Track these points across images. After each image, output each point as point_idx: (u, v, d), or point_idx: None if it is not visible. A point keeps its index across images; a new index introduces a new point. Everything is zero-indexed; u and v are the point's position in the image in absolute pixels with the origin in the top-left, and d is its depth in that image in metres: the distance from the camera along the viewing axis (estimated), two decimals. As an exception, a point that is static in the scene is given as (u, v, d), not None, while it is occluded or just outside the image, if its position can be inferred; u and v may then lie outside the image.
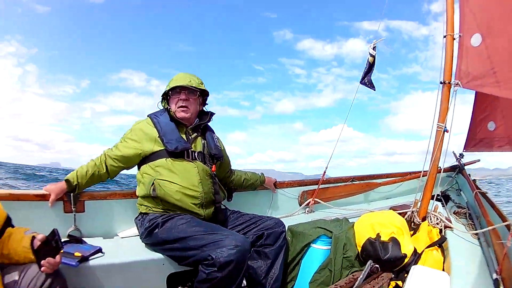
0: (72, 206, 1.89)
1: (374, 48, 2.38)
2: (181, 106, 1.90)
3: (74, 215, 1.90)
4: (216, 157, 1.96)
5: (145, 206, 1.81)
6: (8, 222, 1.34)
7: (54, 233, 1.23)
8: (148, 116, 1.96)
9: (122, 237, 1.98)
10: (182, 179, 1.76)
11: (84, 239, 1.84)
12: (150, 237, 1.73)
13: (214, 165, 1.95)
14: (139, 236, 1.88)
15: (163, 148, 1.80)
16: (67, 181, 1.81)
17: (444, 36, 2.16)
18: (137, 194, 1.88)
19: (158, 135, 1.83)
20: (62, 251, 1.27)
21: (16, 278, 1.23)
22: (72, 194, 1.87)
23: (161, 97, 2.01)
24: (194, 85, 1.90)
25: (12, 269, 1.27)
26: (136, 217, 1.89)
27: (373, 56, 2.40)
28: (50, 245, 1.23)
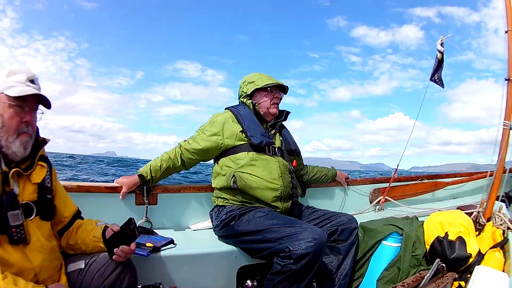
0: (145, 199, 1.92)
1: (442, 45, 2.33)
2: (275, 103, 1.98)
3: (146, 207, 1.94)
4: (295, 153, 2.03)
5: (222, 198, 1.85)
6: (77, 215, 1.40)
7: (131, 222, 1.22)
8: (227, 109, 2.00)
9: (194, 230, 2.02)
10: (263, 173, 1.78)
11: (155, 230, 1.88)
12: (226, 229, 1.76)
13: (295, 161, 2.01)
14: (212, 229, 1.92)
15: (246, 142, 1.84)
16: (140, 175, 1.85)
17: (506, 31, 2.09)
18: (214, 186, 1.91)
19: (241, 129, 1.86)
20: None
21: (82, 266, 1.25)
22: (145, 187, 1.91)
23: (241, 93, 2.04)
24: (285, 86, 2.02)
25: (78, 258, 1.29)
26: (212, 210, 1.93)
27: (441, 53, 2.35)
28: (125, 234, 1.22)
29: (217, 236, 1.87)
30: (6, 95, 1.12)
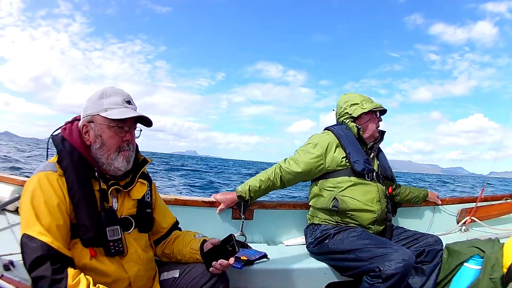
0: (241, 214, 1.99)
1: None
2: (378, 127, 1.99)
3: (242, 222, 2.01)
4: (390, 179, 2.03)
5: (319, 217, 1.89)
6: (175, 226, 1.45)
7: (231, 238, 1.22)
8: (328, 129, 2.00)
9: (287, 245, 2.04)
10: (362, 197, 1.81)
11: (249, 244, 1.93)
12: (319, 247, 1.80)
13: (390, 188, 2.02)
14: (305, 245, 1.93)
15: (348, 167, 1.85)
16: (239, 196, 1.91)
17: None
18: (311, 205, 1.95)
19: (344, 155, 1.87)
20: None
21: (176, 275, 1.28)
22: (242, 203, 1.97)
23: (344, 113, 2.01)
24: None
25: (173, 267, 1.33)
26: (307, 227, 1.97)
27: None
28: (225, 248, 1.23)
29: (309, 253, 1.90)
30: (103, 116, 1.15)
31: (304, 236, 2.00)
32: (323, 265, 1.80)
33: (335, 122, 2.10)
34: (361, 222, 1.81)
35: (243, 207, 1.99)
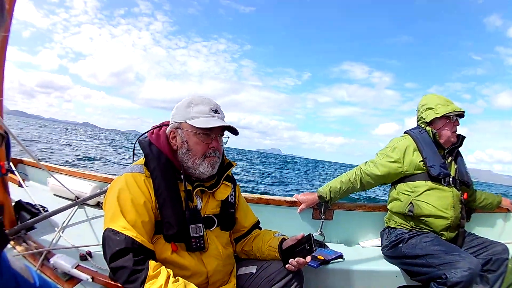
0: (322, 214, 2.10)
1: None
2: (455, 132, 1.95)
3: (322, 222, 2.11)
4: (466, 185, 1.97)
5: (395, 221, 1.94)
6: (256, 225, 1.49)
7: (310, 237, 1.23)
8: (407, 133, 2.01)
9: (363, 247, 2.11)
10: (437, 202, 1.82)
11: (326, 244, 2.03)
12: (393, 250, 1.86)
13: (466, 193, 1.97)
14: (380, 248, 1.99)
15: (424, 171, 1.86)
16: (320, 196, 2.02)
17: None
18: (389, 208, 2.00)
19: (421, 159, 1.87)
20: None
21: (253, 271, 1.32)
22: (323, 204, 2.08)
23: (420, 118, 2.01)
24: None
25: (251, 263, 1.37)
26: (383, 230, 2.03)
27: None
28: (302, 247, 1.24)
29: (383, 255, 1.93)
30: (190, 124, 1.20)
31: (380, 239, 2.05)
32: (395, 268, 1.84)
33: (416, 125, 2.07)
34: (434, 228, 1.82)
35: (323, 208, 2.09)
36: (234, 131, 1.27)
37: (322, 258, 1.75)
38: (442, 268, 1.55)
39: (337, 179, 2.01)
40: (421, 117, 1.99)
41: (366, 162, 1.99)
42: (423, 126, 1.99)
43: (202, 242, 1.19)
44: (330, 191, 1.99)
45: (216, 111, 1.24)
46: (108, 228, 1.08)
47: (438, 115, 1.91)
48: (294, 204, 2.11)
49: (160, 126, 1.32)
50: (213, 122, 1.19)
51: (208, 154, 1.23)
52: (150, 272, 1.02)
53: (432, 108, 1.95)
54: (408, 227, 1.88)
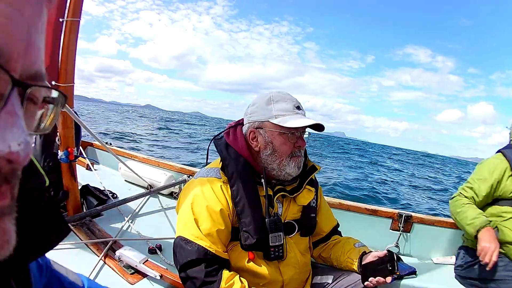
0: (401, 225, 2.05)
1: None
2: None
3: (400, 234, 2.07)
4: None
5: (472, 241, 1.81)
6: (335, 230, 1.43)
7: (393, 257, 1.18)
8: (501, 152, 1.82)
9: (436, 263, 2.04)
10: None
11: (400, 256, 2.02)
12: (467, 271, 1.78)
13: None
14: (453, 266, 1.92)
15: None
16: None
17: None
18: None
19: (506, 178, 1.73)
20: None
21: (329, 281, 1.27)
22: (404, 215, 2.06)
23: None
24: None
25: (327, 271, 1.33)
26: (460, 248, 1.93)
27: None
28: (384, 266, 1.18)
29: (455, 274, 1.87)
30: (275, 124, 1.12)
31: (454, 256, 1.97)
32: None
33: (508, 140, 1.87)
34: (510, 255, 1.70)
35: (403, 219, 2.05)
36: (319, 127, 1.17)
37: (397, 273, 1.64)
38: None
39: (468, 210, 1.74)
40: None
41: (465, 190, 1.83)
42: None
43: (281, 251, 1.14)
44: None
45: (299, 108, 1.17)
46: (180, 236, 1.06)
47: None
48: (375, 213, 2.09)
49: (235, 126, 1.24)
50: (302, 121, 1.11)
51: (294, 153, 1.15)
52: (223, 284, 0.99)
53: None
54: None
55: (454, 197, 1.84)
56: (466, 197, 1.79)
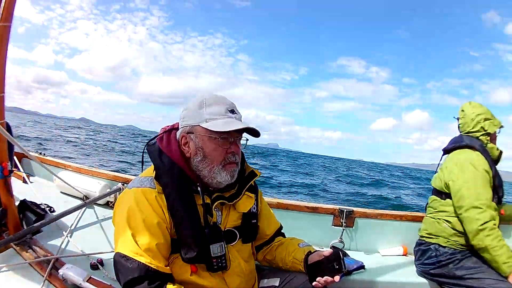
0: (343, 221, 2.05)
1: None
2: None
3: (343, 229, 2.07)
4: (500, 200, 1.81)
5: (446, 239, 1.77)
6: (279, 232, 1.40)
7: (339, 256, 1.16)
8: (470, 148, 1.80)
9: (383, 255, 2.07)
10: None
11: (346, 251, 2.02)
12: (440, 269, 1.73)
13: (502, 210, 1.86)
14: (400, 256, 1.98)
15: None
16: None
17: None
18: (447, 224, 1.79)
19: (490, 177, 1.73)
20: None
21: (276, 284, 1.24)
22: (345, 210, 2.07)
23: (477, 127, 1.82)
24: None
25: (273, 274, 1.29)
26: (421, 244, 1.86)
27: None
28: (331, 265, 1.16)
29: (417, 270, 1.86)
30: (205, 128, 1.06)
31: (402, 247, 2.04)
32: (419, 279, 1.79)
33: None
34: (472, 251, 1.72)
35: (345, 215, 2.05)
36: (255, 133, 1.13)
37: (344, 270, 1.73)
38: None
39: (498, 247, 1.60)
40: (482, 127, 1.81)
41: (473, 209, 1.65)
42: (482, 138, 1.81)
43: (224, 261, 1.09)
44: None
45: (232, 111, 1.11)
46: (118, 253, 0.99)
47: (496, 128, 1.81)
48: (315, 210, 2.07)
49: (170, 130, 1.17)
50: (232, 124, 1.06)
51: (228, 159, 1.09)
52: None
53: (491, 120, 1.81)
54: (460, 247, 1.73)
55: (486, 227, 1.58)
56: (494, 218, 1.63)
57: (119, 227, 1.03)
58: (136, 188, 1.07)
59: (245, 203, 1.21)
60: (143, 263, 0.96)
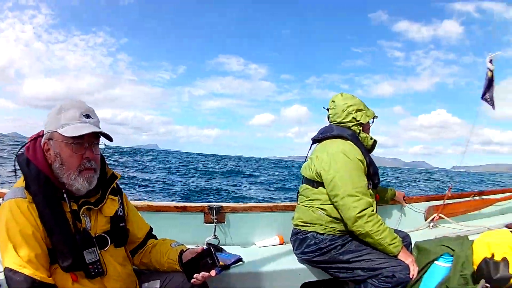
0: (214, 217, 2.04)
1: (491, 62, 2.23)
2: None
3: (215, 225, 2.06)
4: (376, 186, 1.93)
5: (323, 226, 1.79)
6: (150, 234, 1.42)
7: (211, 251, 1.22)
8: (342, 138, 1.82)
9: (260, 247, 2.12)
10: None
11: (222, 247, 1.97)
12: (323, 256, 1.75)
13: (377, 195, 2.06)
14: (276, 246, 2.07)
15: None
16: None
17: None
18: (323, 212, 1.80)
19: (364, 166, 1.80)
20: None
21: (157, 286, 1.28)
22: (214, 207, 2.02)
23: (349, 118, 1.84)
24: None
25: (153, 276, 1.32)
26: (300, 233, 1.85)
27: (491, 71, 2.24)
28: (204, 260, 1.22)
29: (299, 259, 1.88)
30: (61, 134, 1.09)
31: (278, 237, 2.13)
32: (299, 265, 1.86)
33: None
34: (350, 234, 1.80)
35: (215, 211, 2.04)
36: (107, 137, 1.17)
37: (222, 264, 1.68)
38: (379, 268, 1.60)
39: (382, 232, 1.66)
40: (354, 118, 1.84)
41: (353, 197, 1.66)
42: (356, 130, 1.84)
43: (100, 266, 1.13)
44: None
45: (87, 116, 1.14)
46: (6, 267, 1.01)
47: (369, 118, 1.88)
48: (185, 209, 2.03)
49: (36, 138, 1.17)
50: (82, 129, 1.09)
51: (83, 165, 1.12)
52: None
53: (363, 111, 1.86)
54: (339, 233, 1.76)
55: (364, 214, 1.63)
56: (371, 204, 1.69)
57: (2, 240, 1.04)
58: (10, 200, 1.07)
59: (110, 207, 1.24)
60: (28, 276, 0.99)
